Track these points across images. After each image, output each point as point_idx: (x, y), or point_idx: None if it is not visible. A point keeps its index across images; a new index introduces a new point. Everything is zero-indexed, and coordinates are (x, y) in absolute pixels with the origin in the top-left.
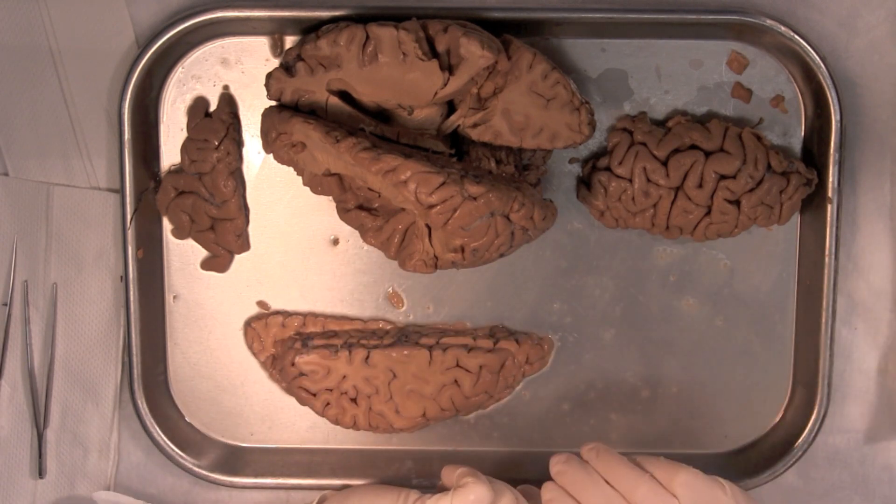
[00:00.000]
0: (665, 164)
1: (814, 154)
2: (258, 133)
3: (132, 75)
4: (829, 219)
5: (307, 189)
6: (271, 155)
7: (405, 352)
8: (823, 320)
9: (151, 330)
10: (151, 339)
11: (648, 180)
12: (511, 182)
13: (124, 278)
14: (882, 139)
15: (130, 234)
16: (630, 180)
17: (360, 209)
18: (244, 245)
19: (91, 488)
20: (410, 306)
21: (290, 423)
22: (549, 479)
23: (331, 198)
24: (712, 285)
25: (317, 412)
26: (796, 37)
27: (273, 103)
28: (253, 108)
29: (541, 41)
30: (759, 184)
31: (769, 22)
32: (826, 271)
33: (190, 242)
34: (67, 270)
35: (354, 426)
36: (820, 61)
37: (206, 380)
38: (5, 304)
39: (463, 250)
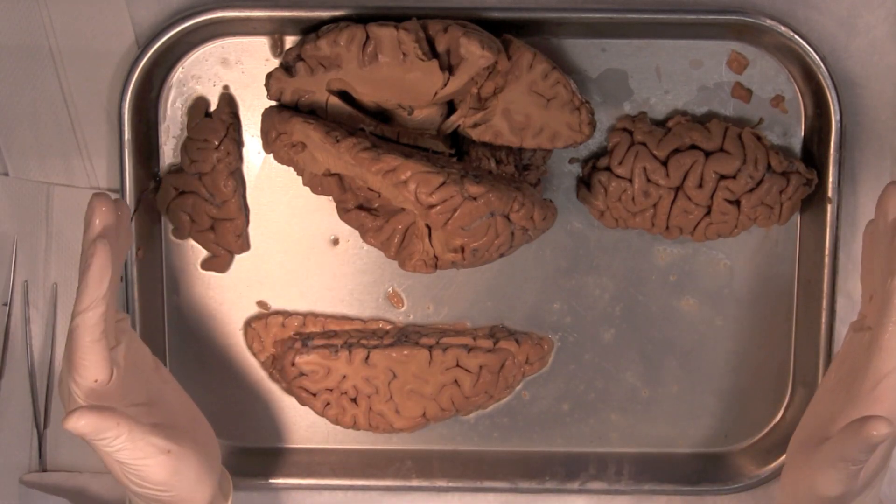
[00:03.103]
0: (665, 164)
1: (814, 154)
2: (258, 133)
3: (132, 75)
4: (829, 219)
5: (307, 189)
6: (271, 155)
7: (405, 352)
8: (823, 320)
9: (151, 330)
10: (151, 339)
11: (648, 180)
12: (511, 182)
13: (124, 278)
14: (882, 139)
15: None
16: (630, 180)
17: (360, 209)
18: (244, 245)
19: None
20: (410, 306)
21: (290, 423)
22: None
23: (331, 198)
24: (712, 285)
25: (317, 412)
26: (796, 37)
27: (273, 103)
28: (253, 108)
29: (541, 41)
30: (759, 184)
31: (769, 22)
32: (826, 271)
33: (190, 242)
34: (67, 270)
35: (354, 426)
36: (820, 61)
37: (206, 380)
38: (5, 304)
39: (463, 250)
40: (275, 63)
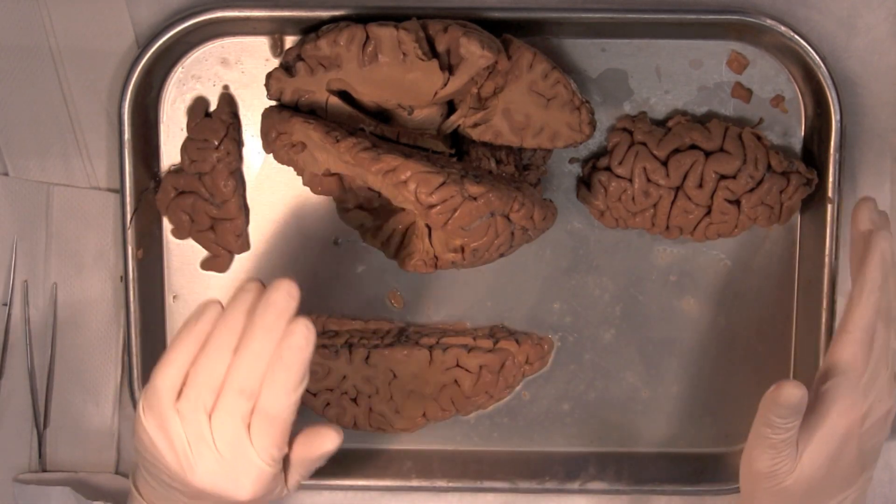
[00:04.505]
0: (665, 164)
1: (814, 154)
2: (258, 133)
3: (132, 75)
4: (829, 219)
5: (307, 189)
6: (271, 155)
7: (405, 352)
8: (823, 320)
9: (151, 330)
10: (151, 339)
11: (648, 180)
12: (511, 182)
13: (124, 278)
14: (882, 139)
15: (130, 234)
16: (630, 180)
17: (360, 209)
18: (244, 245)
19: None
20: (410, 306)
21: None
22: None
23: (331, 198)
24: (712, 285)
25: (317, 412)
26: (796, 37)
27: (273, 103)
28: (253, 108)
29: (541, 41)
30: (759, 184)
31: (769, 22)
32: (826, 271)
33: (190, 242)
34: (67, 270)
35: (354, 426)
36: (820, 61)
37: None
38: (5, 304)
39: (463, 250)
40: (275, 63)
